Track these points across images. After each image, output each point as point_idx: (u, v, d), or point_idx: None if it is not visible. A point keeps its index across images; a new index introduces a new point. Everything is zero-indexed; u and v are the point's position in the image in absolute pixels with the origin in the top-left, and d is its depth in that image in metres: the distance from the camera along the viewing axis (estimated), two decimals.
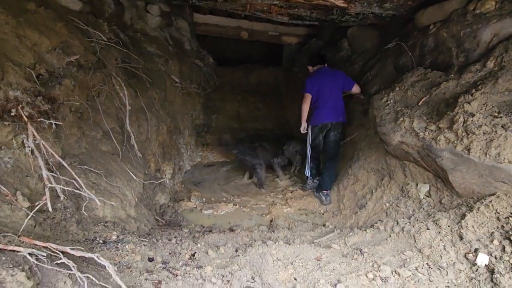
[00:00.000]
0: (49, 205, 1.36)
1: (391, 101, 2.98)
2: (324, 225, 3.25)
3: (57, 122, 1.63)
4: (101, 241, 1.76)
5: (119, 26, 3.57)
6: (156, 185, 3.36)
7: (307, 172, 3.85)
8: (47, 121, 1.57)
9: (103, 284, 1.27)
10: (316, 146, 3.72)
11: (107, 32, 2.82)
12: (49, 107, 1.64)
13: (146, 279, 1.58)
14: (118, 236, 1.88)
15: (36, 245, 1.20)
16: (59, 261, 1.19)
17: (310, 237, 2.80)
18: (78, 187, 1.74)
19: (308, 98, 3.57)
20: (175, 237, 2.48)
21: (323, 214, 3.57)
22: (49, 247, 1.20)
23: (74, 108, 2.22)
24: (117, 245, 1.76)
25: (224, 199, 4.00)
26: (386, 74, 3.79)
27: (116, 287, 1.36)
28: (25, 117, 1.44)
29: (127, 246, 1.77)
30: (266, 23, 6.61)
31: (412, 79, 3.04)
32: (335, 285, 1.77)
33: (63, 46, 1.99)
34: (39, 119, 1.53)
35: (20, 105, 1.54)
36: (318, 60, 3.88)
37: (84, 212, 1.81)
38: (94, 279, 1.24)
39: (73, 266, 1.17)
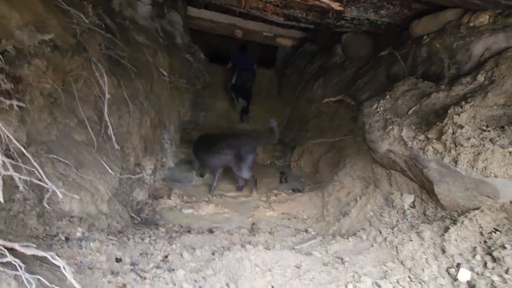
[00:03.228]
0: (0, 195, 1.21)
1: (381, 108, 2.94)
2: (306, 231, 3.17)
3: (19, 104, 1.48)
4: (63, 238, 1.61)
5: (106, 11, 3.40)
6: (134, 181, 3.19)
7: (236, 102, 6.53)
8: (8, 101, 1.41)
9: (55, 287, 1.13)
10: (238, 88, 6.35)
11: (91, 15, 2.66)
12: (12, 86, 1.49)
13: (109, 282, 1.44)
14: (83, 233, 1.73)
15: None
16: (4, 260, 1.04)
17: (292, 243, 2.71)
18: (41, 177, 1.58)
19: (229, 64, 6.47)
20: (149, 237, 2.34)
21: (306, 219, 3.49)
22: None
23: (46, 92, 2.06)
24: (81, 242, 1.61)
25: (206, 199, 3.87)
26: (378, 82, 3.77)
27: None
28: None
29: (92, 244, 1.62)
30: (261, 23, 6.54)
31: (403, 88, 3.01)
32: None
33: (37, 24, 1.83)
34: None
35: None
36: (242, 50, 6.47)
37: (47, 205, 1.65)
38: (45, 281, 1.10)
39: (21, 267, 1.03)
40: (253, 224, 3.35)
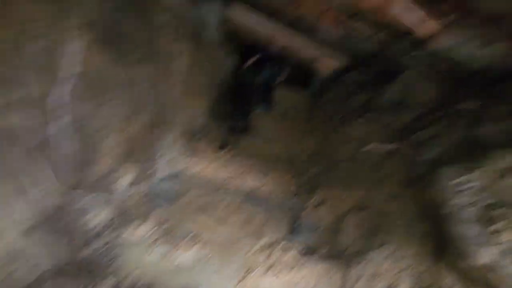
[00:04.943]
0: None
1: (472, 184, 1.96)
2: None
3: None
4: None
5: None
6: (98, 194, 2.30)
7: None
8: None
9: None
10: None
11: None
12: None
13: None
14: None
15: None
16: None
17: None
18: None
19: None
20: None
21: None
22: None
23: None
24: None
25: (190, 235, 2.90)
26: (453, 140, 2.79)
27: None
28: None
29: None
30: (304, 40, 5.77)
31: (509, 160, 2.04)
32: None
33: None
34: None
35: None
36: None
37: None
38: None
39: None
40: None
